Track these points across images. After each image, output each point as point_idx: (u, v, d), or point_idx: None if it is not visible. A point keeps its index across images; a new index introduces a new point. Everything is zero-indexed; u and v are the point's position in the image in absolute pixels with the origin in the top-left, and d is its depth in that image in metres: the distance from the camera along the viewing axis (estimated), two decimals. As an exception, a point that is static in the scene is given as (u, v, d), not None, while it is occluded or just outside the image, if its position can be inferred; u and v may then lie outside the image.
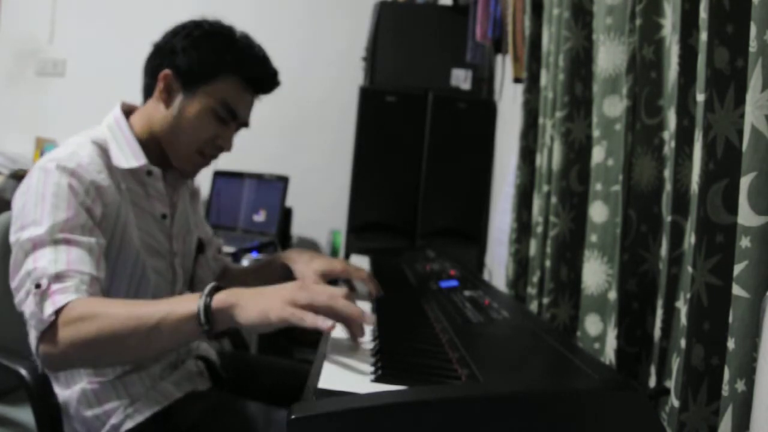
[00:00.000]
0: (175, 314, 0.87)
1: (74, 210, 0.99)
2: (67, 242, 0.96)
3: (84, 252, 0.96)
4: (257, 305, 0.84)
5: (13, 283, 0.96)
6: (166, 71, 1.14)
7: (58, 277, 0.92)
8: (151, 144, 1.17)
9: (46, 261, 0.93)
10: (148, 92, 1.19)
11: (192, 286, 1.32)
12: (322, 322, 0.80)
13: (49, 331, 0.90)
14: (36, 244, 0.95)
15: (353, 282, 1.26)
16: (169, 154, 1.18)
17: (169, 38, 1.17)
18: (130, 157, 1.12)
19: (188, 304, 0.87)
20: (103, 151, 1.11)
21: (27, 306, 0.92)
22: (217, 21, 1.19)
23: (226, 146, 1.20)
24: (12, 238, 0.99)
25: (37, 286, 0.91)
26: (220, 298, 0.86)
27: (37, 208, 0.98)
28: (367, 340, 0.86)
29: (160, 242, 1.19)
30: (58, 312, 0.89)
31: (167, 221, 1.20)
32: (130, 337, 0.88)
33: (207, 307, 0.85)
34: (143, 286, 1.13)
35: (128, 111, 1.20)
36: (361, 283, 1.24)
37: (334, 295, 0.85)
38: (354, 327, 0.84)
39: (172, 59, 1.14)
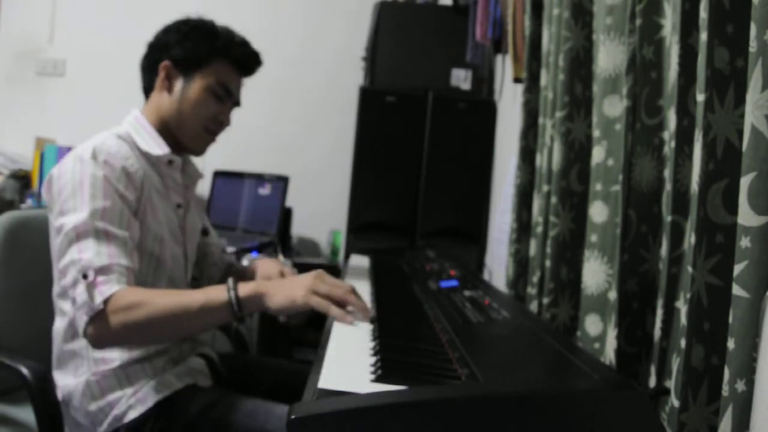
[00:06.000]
0: (211, 302, 1.05)
1: (111, 199, 1.10)
2: (107, 234, 1.07)
3: (120, 246, 1.08)
4: (283, 291, 1.04)
5: (58, 267, 1.08)
6: (165, 62, 1.25)
7: (102, 270, 1.04)
8: (164, 133, 1.27)
9: (91, 253, 1.04)
10: (149, 87, 1.29)
11: (200, 284, 1.37)
12: (343, 316, 0.97)
13: (99, 316, 1.03)
14: (79, 234, 1.06)
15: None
16: (180, 136, 1.27)
17: (161, 36, 1.28)
18: (154, 147, 1.23)
19: (220, 293, 1.05)
20: (129, 142, 1.21)
21: (78, 294, 1.04)
22: (199, 17, 1.30)
23: (226, 121, 1.32)
24: (56, 223, 1.10)
25: (84, 276, 1.03)
26: (248, 288, 1.05)
27: (76, 196, 1.08)
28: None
29: (175, 230, 1.26)
30: (106, 301, 1.02)
31: (181, 211, 1.29)
32: (174, 321, 1.05)
33: (236, 297, 1.04)
34: (160, 269, 1.21)
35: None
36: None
37: (348, 290, 1.02)
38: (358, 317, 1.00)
39: (169, 52, 1.25)
